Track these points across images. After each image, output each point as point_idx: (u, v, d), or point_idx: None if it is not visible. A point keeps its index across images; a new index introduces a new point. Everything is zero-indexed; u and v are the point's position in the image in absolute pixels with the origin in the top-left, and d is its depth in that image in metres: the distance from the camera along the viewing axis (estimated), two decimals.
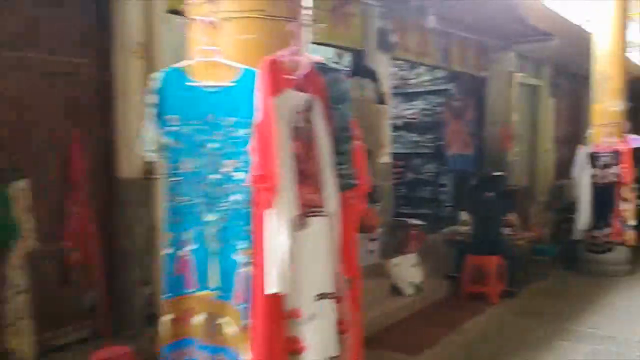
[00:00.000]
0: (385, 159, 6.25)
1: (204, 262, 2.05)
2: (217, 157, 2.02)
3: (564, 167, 9.35)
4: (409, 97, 8.98)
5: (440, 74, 8.55)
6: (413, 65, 8.60)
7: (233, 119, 1.99)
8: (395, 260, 5.89)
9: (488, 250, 6.14)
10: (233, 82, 1.98)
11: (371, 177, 6.12)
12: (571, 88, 12.21)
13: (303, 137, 1.97)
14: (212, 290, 2.05)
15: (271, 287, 1.83)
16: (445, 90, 8.56)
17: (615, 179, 7.11)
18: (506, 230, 6.61)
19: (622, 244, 7.18)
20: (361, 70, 6.02)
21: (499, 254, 6.16)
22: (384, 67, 6.18)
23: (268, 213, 1.84)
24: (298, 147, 1.95)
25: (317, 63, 2.06)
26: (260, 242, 1.87)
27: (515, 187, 8.42)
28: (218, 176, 2.01)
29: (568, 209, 7.92)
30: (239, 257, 2.00)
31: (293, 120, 1.94)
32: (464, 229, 6.85)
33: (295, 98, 1.96)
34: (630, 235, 7.16)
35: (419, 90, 8.86)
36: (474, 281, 6.20)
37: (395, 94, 9.04)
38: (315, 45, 6.98)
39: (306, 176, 1.96)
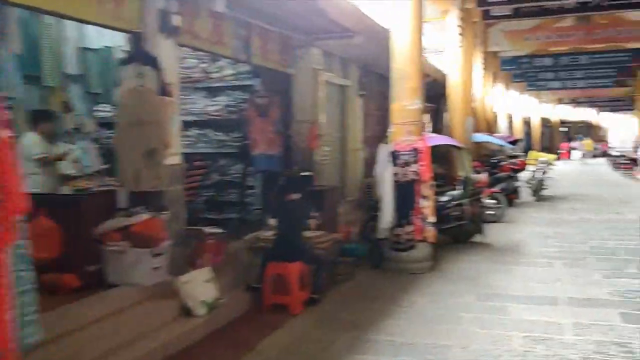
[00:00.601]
0: (174, 159, 5.46)
1: None
2: None
3: (373, 166, 9.38)
4: (213, 92, 8.28)
5: (244, 68, 7.99)
6: (215, 57, 7.92)
7: None
8: (185, 277, 5.14)
9: (290, 256, 5.67)
10: None
11: (159, 180, 5.39)
12: (379, 88, 12.50)
13: None
14: None
15: None
16: (250, 85, 8.00)
17: (415, 177, 7.13)
18: (310, 233, 6.22)
19: (423, 240, 7.23)
20: (140, 55, 5.17)
21: (302, 259, 5.74)
22: (169, 54, 5.38)
23: None
24: None
25: None
26: None
27: (323, 187, 8.16)
28: None
29: (375, 207, 7.85)
30: None
31: None
32: (267, 234, 6.34)
33: None
34: (430, 232, 7.24)
35: (222, 85, 8.19)
36: (277, 291, 5.69)
37: (198, 89, 8.34)
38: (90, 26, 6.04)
39: None
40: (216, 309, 5.19)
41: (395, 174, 7.15)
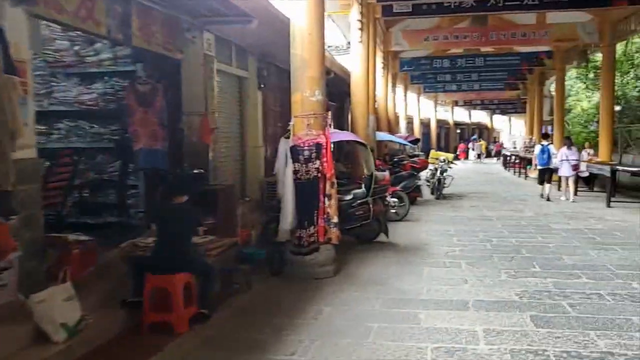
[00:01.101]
0: (26, 152, 4.47)
1: None
2: None
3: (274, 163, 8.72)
4: (88, 78, 7.22)
5: (124, 51, 7.02)
6: (90, 38, 6.92)
7: None
8: (39, 295, 4.20)
9: (173, 266, 4.87)
10: None
11: (4, 178, 4.40)
12: (281, 82, 11.86)
13: None
14: None
15: None
16: (131, 72, 7.05)
17: (317, 174, 6.56)
18: (198, 239, 5.45)
19: (327, 242, 6.68)
20: None
21: (187, 269, 4.96)
22: (18, 25, 4.40)
23: None
24: None
25: None
26: None
27: (218, 187, 7.38)
28: None
29: (276, 207, 7.21)
30: None
31: None
32: (147, 241, 5.48)
33: None
34: (334, 233, 6.70)
35: (99, 70, 7.16)
36: (158, 308, 4.87)
37: (70, 74, 7.27)
38: None
39: None
40: (81, 332, 4.31)
41: (296, 172, 6.54)
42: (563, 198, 14.18)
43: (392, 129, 20.22)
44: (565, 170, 14.10)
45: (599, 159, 16.18)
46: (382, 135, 15.50)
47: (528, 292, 5.80)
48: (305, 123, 6.52)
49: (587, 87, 30.82)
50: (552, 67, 22.93)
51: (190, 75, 7.43)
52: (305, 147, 6.51)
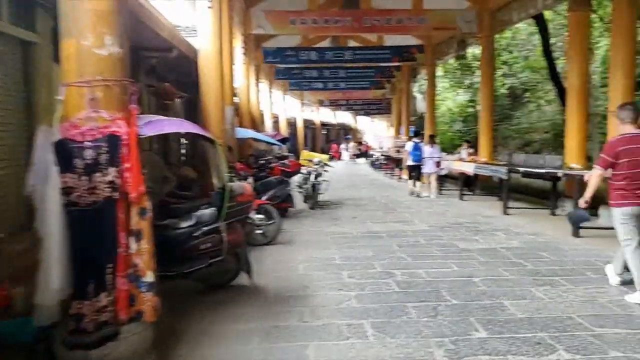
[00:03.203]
0: None
1: None
2: None
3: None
4: None
5: None
6: None
7: None
8: None
9: None
10: None
11: None
12: None
13: None
14: None
15: None
16: None
17: (112, 194, 3.53)
18: None
19: (135, 319, 3.68)
20: None
21: None
22: None
23: None
24: None
25: None
26: None
27: None
28: None
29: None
30: None
31: None
32: None
33: None
34: (149, 301, 3.71)
35: None
36: None
37: None
38: None
39: None
40: None
41: (69, 190, 3.46)
42: (425, 194, 14.65)
43: (257, 127, 17.50)
44: (428, 168, 14.67)
45: (482, 159, 14.83)
46: (245, 132, 12.68)
47: None
48: (86, 97, 3.46)
49: (452, 86, 30.57)
50: (423, 63, 21.66)
51: None
52: (88, 144, 3.45)
